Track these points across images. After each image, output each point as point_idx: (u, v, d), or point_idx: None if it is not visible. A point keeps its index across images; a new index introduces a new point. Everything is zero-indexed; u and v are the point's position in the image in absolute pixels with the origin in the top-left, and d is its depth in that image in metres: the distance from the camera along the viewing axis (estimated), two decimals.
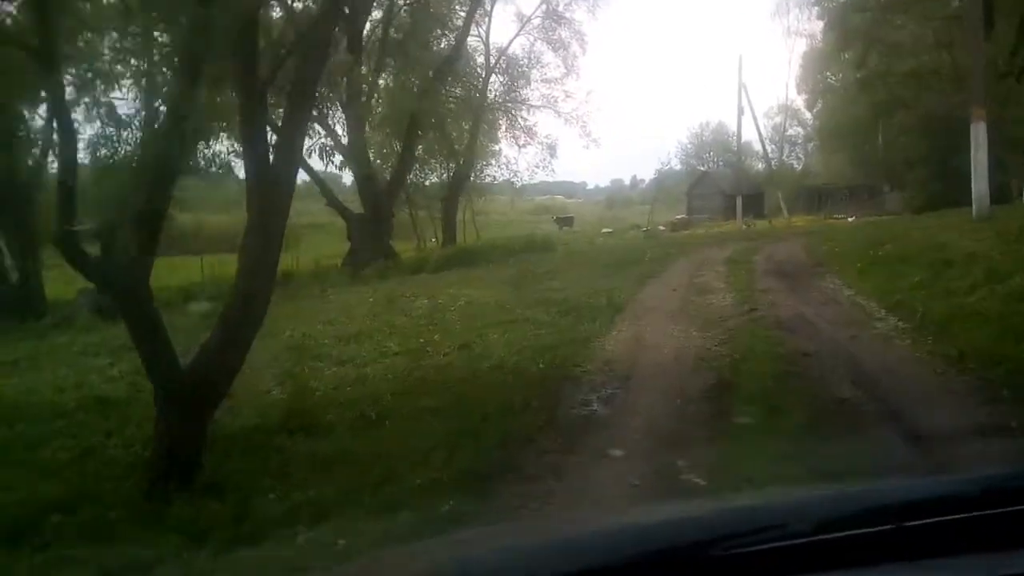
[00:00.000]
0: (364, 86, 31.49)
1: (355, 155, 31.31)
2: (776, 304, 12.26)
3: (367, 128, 33.54)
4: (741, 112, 43.62)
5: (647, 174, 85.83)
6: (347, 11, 30.96)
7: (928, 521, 1.45)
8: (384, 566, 1.84)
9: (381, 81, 35.37)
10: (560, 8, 38.92)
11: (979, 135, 18.95)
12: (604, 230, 54.50)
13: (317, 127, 33.35)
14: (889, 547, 1.42)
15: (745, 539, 1.40)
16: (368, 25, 31.88)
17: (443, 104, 36.88)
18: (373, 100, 34.92)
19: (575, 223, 66.65)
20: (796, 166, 71.08)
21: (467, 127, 39.97)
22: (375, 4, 30.60)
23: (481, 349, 10.20)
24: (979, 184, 18.99)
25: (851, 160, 60.99)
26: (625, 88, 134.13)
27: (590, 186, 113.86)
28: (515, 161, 47.59)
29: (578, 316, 12.28)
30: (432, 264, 27.48)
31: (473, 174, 56.89)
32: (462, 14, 35.39)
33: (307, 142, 33.55)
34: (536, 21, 39.10)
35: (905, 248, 15.43)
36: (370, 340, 11.64)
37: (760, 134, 47.99)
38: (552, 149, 42.45)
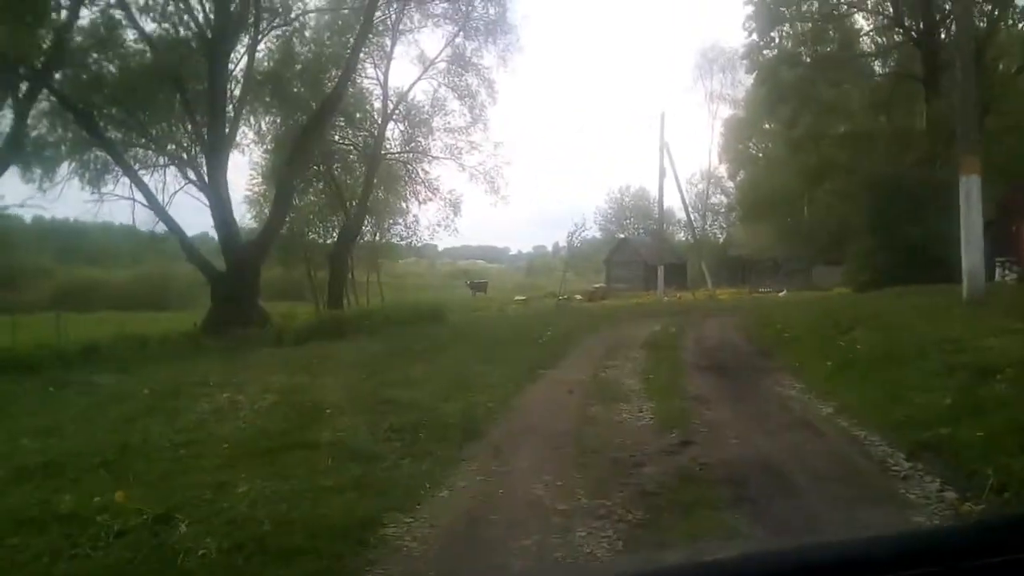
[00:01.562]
0: (227, 124, 26.90)
1: (213, 202, 26.46)
2: (718, 429, 7.86)
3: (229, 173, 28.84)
4: (663, 174, 40.02)
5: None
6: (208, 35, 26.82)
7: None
8: None
9: (252, 118, 30.81)
10: (467, 53, 34.93)
11: (971, 192, 14.85)
12: (517, 298, 51.00)
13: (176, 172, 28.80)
14: None
15: None
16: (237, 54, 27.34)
17: (328, 148, 32.48)
18: (244, 139, 30.40)
19: (489, 288, 63.15)
20: (719, 236, 67.98)
21: (358, 178, 35.52)
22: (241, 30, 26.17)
23: (192, 524, 5.39)
24: (972, 255, 14.95)
25: (776, 232, 58.24)
26: (544, 149, 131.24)
27: (512, 251, 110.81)
28: (416, 220, 43.11)
29: (411, 442, 7.68)
30: (294, 334, 22.58)
31: (377, 232, 53.19)
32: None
33: (167, 189, 28.93)
34: (441, 65, 35.11)
35: (888, 339, 11.20)
36: (34, 486, 6.69)
37: (683, 198, 44.71)
38: (455, 206, 38.31)
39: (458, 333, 21.25)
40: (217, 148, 26.46)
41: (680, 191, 42.93)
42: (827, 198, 51.14)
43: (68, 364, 19.25)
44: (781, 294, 43.06)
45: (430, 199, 38.24)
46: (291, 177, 27.77)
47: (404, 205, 43.09)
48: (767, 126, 60.65)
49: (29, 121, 27.17)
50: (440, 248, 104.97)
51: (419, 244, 51.38)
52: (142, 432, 8.63)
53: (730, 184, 67.86)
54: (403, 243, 54.63)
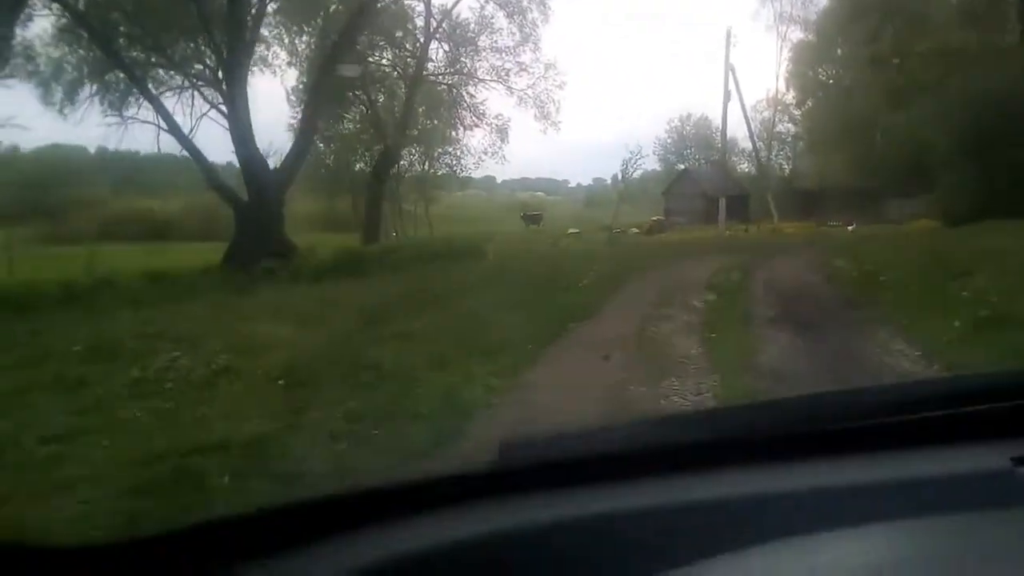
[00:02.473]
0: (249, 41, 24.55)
1: (231, 123, 24.24)
2: None
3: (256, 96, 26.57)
4: (727, 98, 36.89)
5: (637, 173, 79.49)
6: None
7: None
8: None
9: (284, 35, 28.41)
10: None
11: None
12: (570, 230, 48.09)
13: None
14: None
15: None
16: None
17: (365, 69, 29.91)
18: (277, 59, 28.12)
19: (545, 221, 60.64)
20: (785, 167, 64.15)
21: (401, 104, 32.95)
22: None
23: None
24: None
25: (846, 162, 54.44)
26: (602, 74, 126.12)
27: (572, 183, 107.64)
28: (465, 148, 40.51)
29: (355, 444, 5.25)
30: (312, 271, 20.36)
31: (426, 161, 50.66)
32: None
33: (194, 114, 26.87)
34: None
35: None
36: None
37: (748, 123, 41.40)
38: (503, 133, 35.56)
39: (492, 271, 18.87)
40: (236, 64, 24.12)
41: (745, 115, 39.64)
42: (906, 123, 47.71)
43: (64, 302, 17.51)
44: (850, 228, 39.71)
45: (476, 125, 35.54)
46: (318, 99, 25.26)
47: (451, 133, 40.30)
48: (839, 51, 57.10)
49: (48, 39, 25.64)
50: (499, 180, 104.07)
51: (465, 174, 48.78)
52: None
53: (798, 112, 63.62)
54: (453, 173, 52.75)
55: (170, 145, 26.71)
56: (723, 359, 7.58)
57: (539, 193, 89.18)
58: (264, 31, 27.35)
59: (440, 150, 47.50)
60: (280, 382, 7.21)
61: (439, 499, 1.35)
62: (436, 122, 38.34)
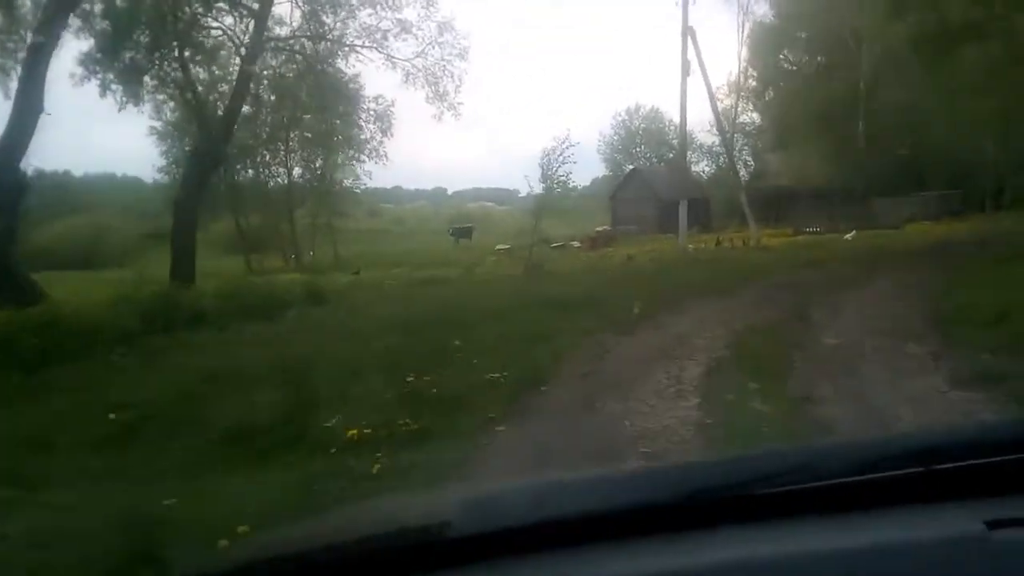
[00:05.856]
0: None
1: None
2: None
3: None
4: (686, 70, 27.80)
5: (584, 178, 71.33)
6: None
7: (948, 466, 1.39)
8: (387, 511, 1.76)
9: None
10: None
11: None
12: (498, 247, 40.23)
13: None
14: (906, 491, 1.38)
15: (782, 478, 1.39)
16: None
17: (181, 33, 20.97)
18: None
19: (484, 234, 52.73)
20: (750, 164, 56.26)
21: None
22: None
23: None
24: None
25: (821, 158, 46.77)
26: (543, 68, 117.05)
27: (522, 193, 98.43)
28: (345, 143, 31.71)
29: None
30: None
31: (319, 168, 44.00)
32: None
33: None
34: None
35: None
36: None
37: (714, 104, 32.26)
38: (383, 120, 26.51)
39: (326, 334, 10.22)
40: None
41: (710, 92, 30.81)
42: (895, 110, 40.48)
43: None
44: (848, 236, 31.80)
45: (346, 113, 26.44)
46: (38, 64, 15.65)
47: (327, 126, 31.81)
48: (802, 34, 49.74)
49: None
50: (450, 191, 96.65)
51: (353, 182, 42.08)
52: None
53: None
54: (355, 184, 45.80)
55: None
56: None
57: (489, 204, 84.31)
58: None
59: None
60: None
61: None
62: (288, 109, 29.30)
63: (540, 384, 7.11)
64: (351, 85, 26.78)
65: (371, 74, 26.34)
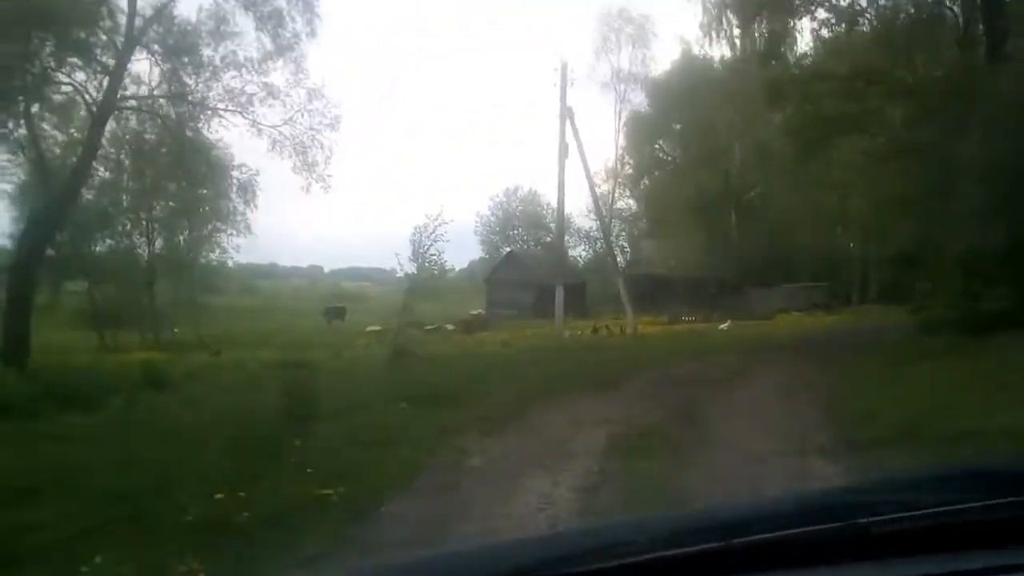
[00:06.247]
0: None
1: None
2: None
3: None
4: (564, 151, 27.35)
5: (461, 260, 70.35)
6: None
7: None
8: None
9: None
10: None
11: None
12: (369, 328, 39.12)
13: None
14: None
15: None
16: None
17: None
18: None
19: (360, 313, 51.02)
20: (626, 250, 56.54)
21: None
22: None
23: None
24: None
25: (694, 247, 47.37)
26: (419, 143, 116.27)
27: (399, 273, 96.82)
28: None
29: None
30: None
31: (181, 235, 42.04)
32: None
33: None
34: None
35: None
36: None
37: (592, 185, 31.89)
38: (245, 190, 25.01)
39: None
40: None
41: (588, 174, 30.57)
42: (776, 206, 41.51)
43: None
44: (723, 326, 31.76)
45: (211, 182, 24.89)
46: None
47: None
48: (676, 125, 50.65)
49: None
50: (327, 269, 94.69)
51: (228, 259, 40.48)
52: None
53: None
54: (220, 258, 43.99)
55: None
56: None
57: (366, 283, 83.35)
58: None
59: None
60: None
61: None
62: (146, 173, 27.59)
63: (379, 503, 5.86)
64: (214, 152, 25.11)
65: (235, 141, 25.01)
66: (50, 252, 38.46)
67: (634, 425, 8.84)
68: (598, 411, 9.82)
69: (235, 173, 29.58)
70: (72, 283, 40.88)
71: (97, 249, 42.44)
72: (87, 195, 37.45)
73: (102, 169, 35.87)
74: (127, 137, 25.66)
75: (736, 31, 43.46)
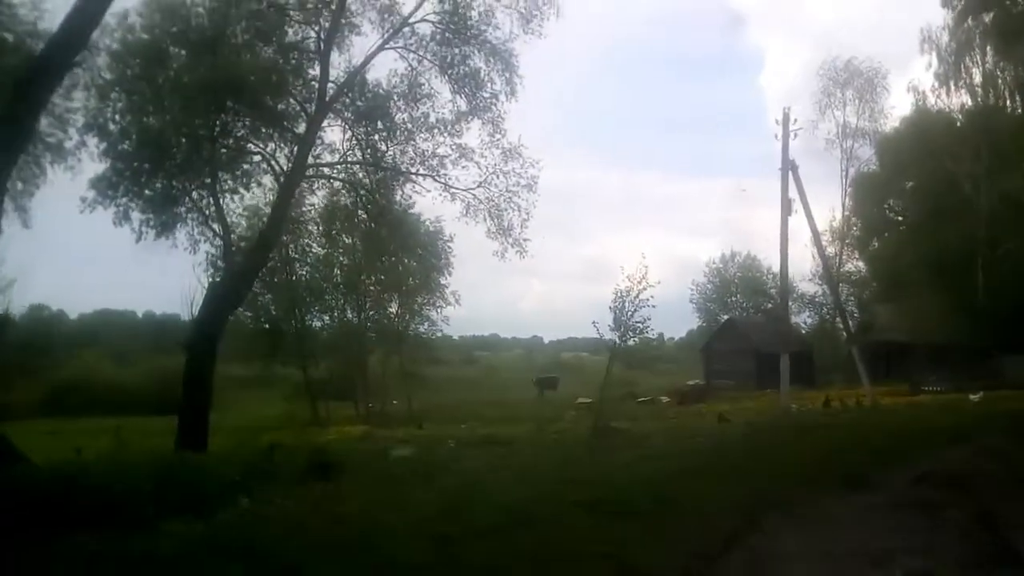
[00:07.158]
0: None
1: None
2: None
3: None
4: (787, 209, 24.77)
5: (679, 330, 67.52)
6: None
7: None
8: None
9: None
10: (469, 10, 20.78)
11: None
12: (580, 400, 38.54)
13: None
14: None
15: None
16: None
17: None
18: None
19: (569, 384, 49.97)
20: (855, 315, 52.49)
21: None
22: None
23: None
24: None
25: (938, 310, 42.80)
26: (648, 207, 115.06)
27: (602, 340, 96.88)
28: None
29: None
30: None
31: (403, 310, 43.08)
32: None
33: None
34: (424, 28, 20.94)
35: None
36: None
37: (820, 247, 29.31)
38: (439, 257, 24.05)
39: None
40: None
41: (815, 232, 27.90)
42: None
43: None
44: (975, 397, 27.81)
45: (401, 247, 24.07)
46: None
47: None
48: (908, 183, 46.58)
49: None
50: (546, 340, 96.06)
51: (437, 332, 40.72)
52: None
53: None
54: (431, 330, 44.56)
55: None
56: None
57: (584, 354, 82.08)
58: None
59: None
60: None
61: None
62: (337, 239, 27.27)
63: None
64: (423, 222, 24.55)
65: (425, 206, 24.44)
66: (265, 326, 39.44)
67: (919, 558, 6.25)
68: (858, 531, 7.28)
69: (440, 243, 29.16)
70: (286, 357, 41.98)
71: (314, 324, 43.57)
72: (300, 270, 38.35)
73: (315, 246, 36.79)
74: (326, 207, 25.50)
75: (977, 79, 40.46)
